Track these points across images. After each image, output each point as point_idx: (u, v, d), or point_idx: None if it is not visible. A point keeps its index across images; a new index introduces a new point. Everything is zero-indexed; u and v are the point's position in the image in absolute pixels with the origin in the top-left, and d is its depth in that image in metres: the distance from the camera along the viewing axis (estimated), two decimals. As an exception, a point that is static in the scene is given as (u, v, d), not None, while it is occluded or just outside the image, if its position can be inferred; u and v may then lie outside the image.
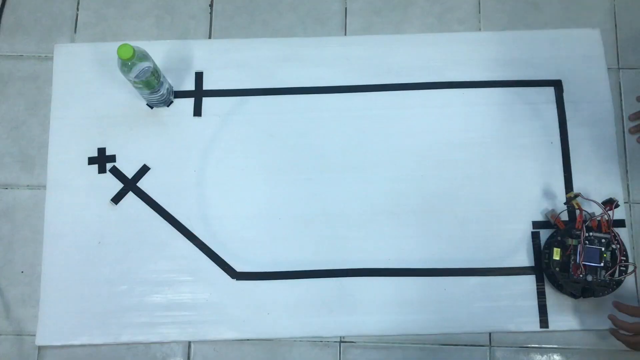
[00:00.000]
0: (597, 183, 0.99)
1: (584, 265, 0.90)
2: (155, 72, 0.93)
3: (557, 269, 0.92)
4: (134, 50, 0.86)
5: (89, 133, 1.02)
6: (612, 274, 0.90)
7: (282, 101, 1.03)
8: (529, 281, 0.96)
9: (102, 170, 1.00)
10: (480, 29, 1.06)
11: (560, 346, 0.95)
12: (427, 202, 0.99)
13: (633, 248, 0.97)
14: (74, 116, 1.02)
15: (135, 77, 0.90)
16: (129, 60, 0.87)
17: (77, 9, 1.08)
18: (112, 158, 1.01)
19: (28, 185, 1.01)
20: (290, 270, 0.96)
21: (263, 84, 1.04)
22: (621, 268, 0.91)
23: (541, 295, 0.95)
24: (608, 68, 1.04)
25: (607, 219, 0.92)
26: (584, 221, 0.92)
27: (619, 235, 0.92)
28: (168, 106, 1.02)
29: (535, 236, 0.97)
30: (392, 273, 0.96)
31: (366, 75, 1.04)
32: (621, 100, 1.03)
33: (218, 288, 0.96)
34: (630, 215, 0.99)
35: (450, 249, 0.97)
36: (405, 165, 1.00)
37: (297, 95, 1.03)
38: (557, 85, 1.03)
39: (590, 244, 0.91)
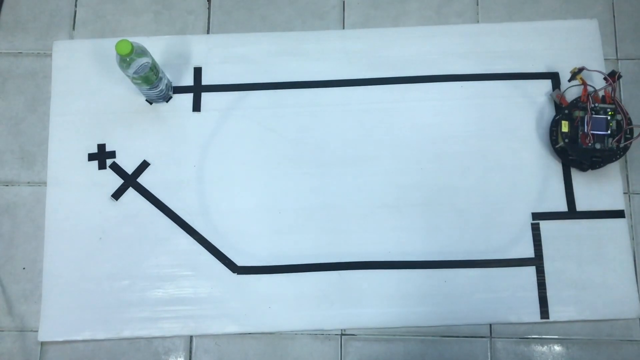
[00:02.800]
0: (595, 174, 0.99)
1: (592, 134, 0.93)
2: (154, 68, 0.93)
3: (567, 140, 0.94)
4: (132, 46, 0.86)
5: (89, 129, 1.02)
6: (619, 140, 0.93)
7: (281, 95, 1.03)
8: (529, 272, 0.96)
9: (102, 166, 1.00)
10: (478, 22, 1.06)
11: (560, 337, 0.95)
12: (426, 195, 0.99)
13: (632, 239, 0.98)
14: (74, 113, 1.02)
15: (134, 73, 0.90)
16: (128, 56, 0.87)
17: (75, 6, 1.08)
18: (112, 154, 1.01)
19: (29, 182, 1.01)
20: (291, 263, 0.97)
21: (262, 79, 1.04)
22: (626, 135, 0.94)
23: (541, 286, 0.95)
24: (606, 59, 1.04)
25: (610, 90, 0.94)
26: (589, 94, 0.95)
27: (623, 106, 0.95)
28: (167, 102, 1.03)
29: (535, 227, 0.97)
30: (392, 266, 0.96)
31: (365, 69, 1.04)
32: (620, 91, 1.03)
33: (219, 282, 0.96)
34: (630, 206, 0.99)
35: (451, 241, 0.97)
36: (405, 158, 1.00)
37: (296, 90, 1.03)
38: (554, 77, 1.03)
39: (596, 114, 0.94)
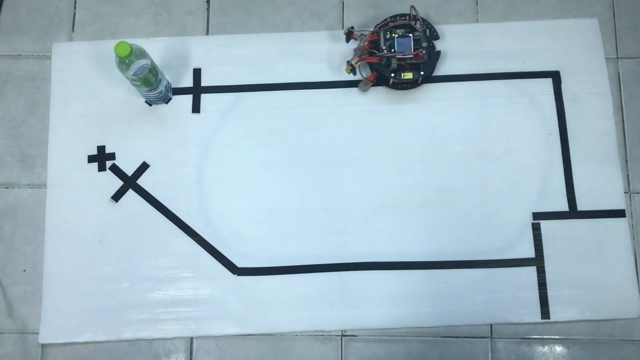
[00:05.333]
0: (596, 173, 0.99)
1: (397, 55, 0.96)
2: (153, 69, 0.93)
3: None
4: (132, 48, 0.86)
5: (89, 131, 1.02)
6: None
7: (280, 97, 1.03)
8: (530, 272, 0.96)
9: (102, 168, 1.00)
10: (477, 21, 1.06)
11: (561, 337, 0.95)
12: (426, 195, 0.99)
13: (633, 238, 0.97)
14: (73, 114, 1.03)
15: (133, 75, 0.90)
16: (127, 58, 0.87)
17: (75, 8, 1.08)
18: (112, 156, 1.01)
19: (29, 185, 1.01)
20: (291, 265, 0.97)
21: (261, 80, 1.04)
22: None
23: (542, 286, 0.95)
24: (606, 58, 1.03)
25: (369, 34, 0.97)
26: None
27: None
28: (167, 103, 1.03)
29: (535, 227, 0.97)
30: (393, 266, 0.96)
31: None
32: (620, 90, 1.03)
33: (219, 284, 0.96)
34: (631, 205, 0.99)
35: (451, 242, 0.97)
36: (405, 158, 1.00)
37: (295, 91, 1.03)
38: (555, 76, 1.02)
39: (400, 37, 0.97)
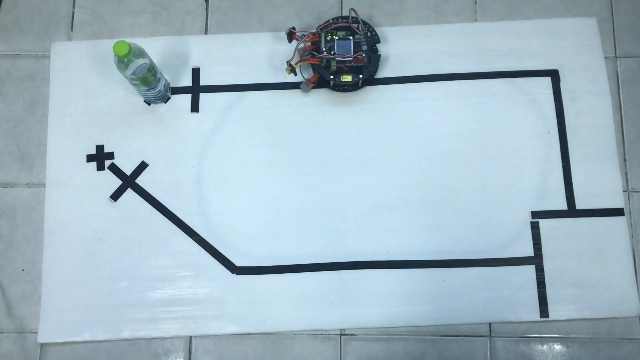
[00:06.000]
0: (595, 172, 0.99)
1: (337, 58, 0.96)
2: (152, 69, 0.93)
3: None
4: (130, 47, 0.86)
5: (87, 130, 1.02)
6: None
7: (279, 96, 1.03)
8: (529, 271, 0.96)
9: (100, 167, 1.00)
10: (476, 20, 1.06)
11: (560, 335, 0.95)
12: (425, 194, 0.99)
13: (632, 237, 0.98)
14: (72, 114, 1.03)
15: (132, 74, 0.90)
16: (125, 57, 0.87)
17: (73, 7, 1.08)
18: (111, 155, 1.01)
19: (27, 184, 1.01)
20: (290, 264, 0.97)
21: (260, 79, 1.04)
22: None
23: (541, 285, 0.95)
24: (605, 57, 1.04)
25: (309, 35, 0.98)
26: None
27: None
28: (165, 102, 1.03)
29: (534, 226, 0.97)
30: (391, 265, 0.96)
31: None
32: (619, 89, 1.03)
33: (218, 283, 0.96)
34: (629, 204, 0.99)
35: (450, 240, 0.97)
36: (404, 157, 1.00)
37: (294, 90, 1.03)
38: (554, 75, 1.02)
39: (340, 40, 0.98)
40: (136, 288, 0.96)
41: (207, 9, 1.08)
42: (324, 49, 0.97)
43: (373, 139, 1.01)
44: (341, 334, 0.96)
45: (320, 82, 1.00)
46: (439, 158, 1.00)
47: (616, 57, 1.04)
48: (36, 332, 0.95)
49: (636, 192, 1.00)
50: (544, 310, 0.94)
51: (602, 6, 1.06)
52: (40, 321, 0.95)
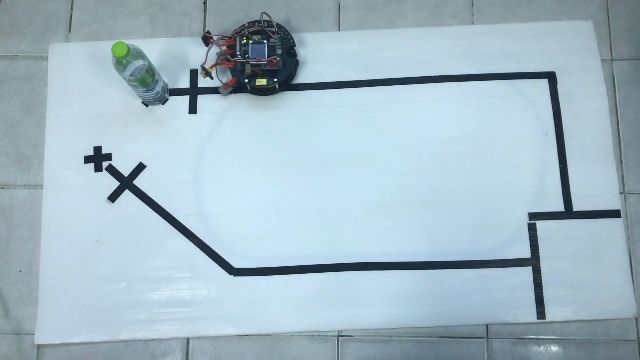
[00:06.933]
0: (592, 174, 0.99)
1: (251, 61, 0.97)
2: (150, 70, 0.93)
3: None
4: (129, 48, 0.86)
5: (85, 132, 1.02)
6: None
7: (276, 97, 1.03)
8: (526, 273, 0.96)
9: (98, 168, 1.00)
10: (473, 22, 1.07)
11: (557, 337, 0.95)
12: (423, 195, 0.99)
13: (628, 239, 0.98)
14: (70, 115, 1.03)
15: (130, 75, 0.90)
16: (124, 58, 0.87)
17: (71, 8, 1.08)
18: (108, 156, 1.01)
19: (25, 185, 1.01)
20: (287, 265, 0.97)
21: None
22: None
23: (538, 286, 0.95)
24: (602, 59, 1.04)
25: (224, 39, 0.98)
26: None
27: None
28: (163, 104, 1.03)
29: (531, 227, 0.97)
30: (389, 266, 0.96)
31: (360, 71, 1.04)
32: (615, 91, 1.03)
33: (216, 284, 0.96)
34: (626, 206, 0.99)
35: (447, 242, 0.97)
36: (401, 159, 1.01)
37: (292, 91, 1.03)
38: (551, 77, 1.03)
39: (255, 44, 0.97)
40: (133, 289, 0.96)
41: (205, 10, 1.08)
42: (238, 53, 0.97)
43: (370, 140, 1.01)
44: (339, 335, 0.96)
45: (240, 86, 1.00)
46: (436, 159, 1.00)
47: (612, 59, 1.05)
48: (33, 334, 0.95)
49: (633, 194, 1.00)
50: (540, 312, 0.95)
51: (598, 9, 1.07)
52: (37, 322, 0.95)
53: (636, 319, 0.95)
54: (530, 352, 0.95)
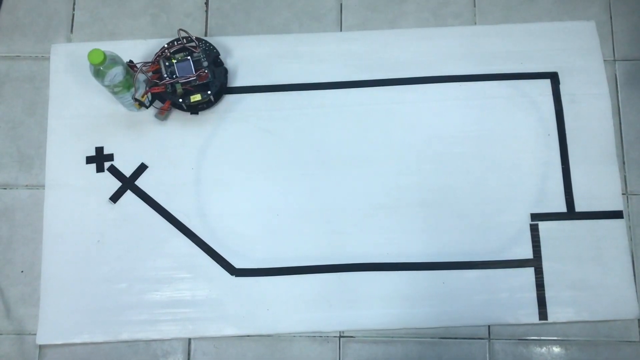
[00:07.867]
0: (594, 174, 0.99)
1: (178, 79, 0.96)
2: (128, 74, 0.92)
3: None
4: (105, 55, 0.86)
5: (87, 132, 1.02)
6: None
7: (278, 98, 1.03)
8: (528, 273, 0.96)
9: (100, 169, 1.00)
10: (475, 23, 1.07)
11: (559, 338, 0.95)
12: (425, 196, 0.99)
13: (631, 239, 0.98)
14: (72, 115, 1.03)
15: (109, 82, 0.90)
16: (101, 65, 0.87)
17: (73, 9, 1.08)
18: (110, 157, 1.01)
19: (27, 185, 1.01)
20: (289, 265, 0.97)
21: (259, 81, 1.04)
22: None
23: (540, 287, 0.95)
24: (604, 60, 1.04)
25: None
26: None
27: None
28: (147, 108, 1.02)
29: (533, 228, 0.97)
30: (391, 267, 0.96)
31: (362, 71, 1.04)
32: (617, 91, 1.03)
33: (217, 285, 0.96)
34: (628, 207, 0.99)
35: (449, 243, 0.97)
36: (403, 159, 1.00)
37: (293, 92, 1.03)
38: (553, 77, 1.03)
39: (179, 62, 0.96)
40: (135, 290, 0.96)
41: (206, 11, 1.08)
42: (165, 75, 0.96)
43: (372, 140, 1.01)
44: (340, 336, 0.96)
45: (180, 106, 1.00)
46: (438, 160, 1.00)
47: (615, 60, 1.05)
48: (35, 334, 0.95)
49: (635, 194, 1.00)
50: (542, 313, 0.94)
51: (600, 9, 1.07)
52: (39, 323, 0.95)
53: (638, 320, 0.95)
54: (532, 353, 0.94)
